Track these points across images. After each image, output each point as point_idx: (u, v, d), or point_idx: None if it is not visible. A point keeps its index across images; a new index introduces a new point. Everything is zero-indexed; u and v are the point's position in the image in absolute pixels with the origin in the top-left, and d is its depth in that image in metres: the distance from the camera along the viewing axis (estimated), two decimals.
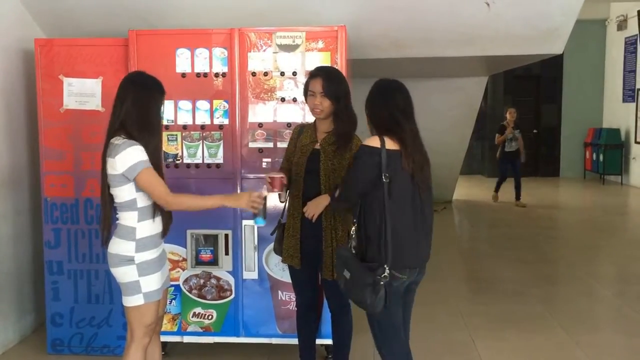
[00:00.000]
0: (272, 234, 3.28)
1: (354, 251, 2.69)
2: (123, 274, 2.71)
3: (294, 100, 3.61)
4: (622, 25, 12.18)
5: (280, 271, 3.66)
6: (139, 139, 2.66)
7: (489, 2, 4.26)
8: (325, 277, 3.12)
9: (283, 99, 3.61)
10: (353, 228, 2.72)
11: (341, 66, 3.55)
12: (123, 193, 2.69)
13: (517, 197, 9.78)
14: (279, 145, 3.61)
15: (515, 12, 4.46)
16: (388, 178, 2.55)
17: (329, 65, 3.41)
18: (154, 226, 2.76)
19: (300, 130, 3.21)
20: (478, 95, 8.35)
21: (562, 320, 4.58)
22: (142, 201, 2.71)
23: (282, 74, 3.60)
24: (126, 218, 2.72)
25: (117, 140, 2.65)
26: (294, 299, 3.64)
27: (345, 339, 3.30)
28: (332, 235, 3.06)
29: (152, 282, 2.73)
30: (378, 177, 2.56)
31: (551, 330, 4.38)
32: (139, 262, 2.69)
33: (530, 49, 4.82)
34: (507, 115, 9.90)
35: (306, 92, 3.08)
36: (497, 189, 10.18)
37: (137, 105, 2.69)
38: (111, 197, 2.74)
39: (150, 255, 2.73)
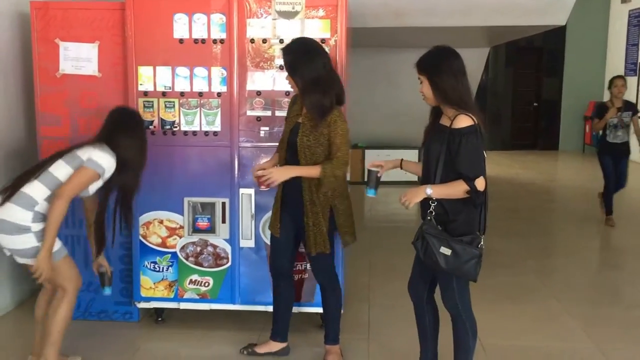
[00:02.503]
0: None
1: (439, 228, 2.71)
2: (17, 241, 2.88)
3: None
4: None
5: None
6: (116, 150, 3.05)
7: None
8: (308, 252, 3.16)
9: (282, 67, 3.57)
10: (432, 206, 2.69)
11: (341, 35, 3.50)
12: (63, 171, 2.94)
13: (608, 210, 6.75)
14: (277, 113, 3.59)
15: None
16: (485, 153, 2.68)
17: (300, 37, 3.33)
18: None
19: (294, 100, 3.22)
20: (479, 67, 8.27)
21: (557, 292, 4.62)
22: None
23: (281, 41, 3.55)
24: (38, 190, 2.91)
25: (100, 144, 3.03)
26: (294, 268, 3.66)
27: (335, 312, 3.33)
28: (312, 209, 3.10)
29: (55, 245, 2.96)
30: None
31: (546, 301, 4.42)
32: (36, 230, 2.90)
33: (533, 19, 4.76)
34: (613, 90, 6.52)
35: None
36: (607, 207, 6.75)
37: (131, 147, 3.11)
38: (48, 165, 2.97)
39: (43, 225, 2.91)
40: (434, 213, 2.71)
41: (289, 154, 3.14)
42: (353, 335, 3.72)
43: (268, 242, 3.68)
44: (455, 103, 2.68)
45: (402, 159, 3.10)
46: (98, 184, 3.03)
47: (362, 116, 7.96)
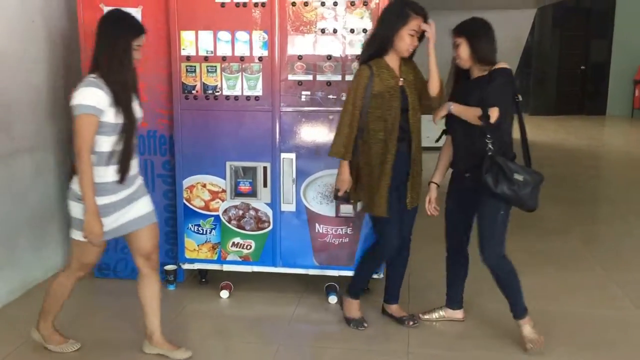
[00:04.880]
0: (340, 198, 3.32)
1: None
2: (74, 209, 2.78)
3: (334, 31, 3.53)
4: None
5: (317, 204, 3.70)
6: (106, 77, 2.67)
7: None
8: (413, 205, 3.26)
9: (323, 31, 3.54)
10: (489, 143, 2.91)
11: None
12: None
13: None
14: (319, 78, 3.57)
15: None
16: (518, 97, 3.00)
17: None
18: (105, 174, 2.72)
19: (371, 71, 3.06)
20: (525, 28, 8.05)
21: (602, 258, 4.55)
22: (100, 146, 2.69)
23: (323, 4, 3.51)
24: None
25: (86, 78, 2.70)
26: (331, 231, 3.70)
27: (404, 269, 3.49)
28: (415, 169, 3.18)
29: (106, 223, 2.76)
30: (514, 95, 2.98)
31: (591, 268, 4.36)
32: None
33: None
34: None
35: (398, 27, 3.01)
36: None
37: (104, 43, 2.71)
38: None
39: (100, 201, 2.71)
40: (493, 149, 2.91)
41: (402, 121, 3.09)
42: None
43: (309, 206, 3.71)
44: (490, 63, 2.99)
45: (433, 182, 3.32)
46: (109, 120, 2.67)
47: None
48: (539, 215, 5.66)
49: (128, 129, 2.74)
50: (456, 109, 3.01)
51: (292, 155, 3.67)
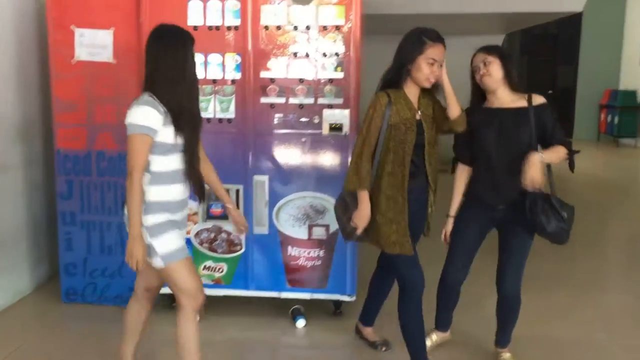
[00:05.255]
0: (350, 238, 3.01)
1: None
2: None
3: (307, 55, 3.56)
4: None
5: (290, 227, 3.69)
6: (160, 96, 2.52)
7: None
8: (426, 235, 3.12)
9: (296, 54, 3.57)
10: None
11: (355, 21, 3.49)
12: None
13: None
14: (291, 101, 3.59)
15: None
16: None
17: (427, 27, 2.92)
18: (170, 193, 2.60)
19: (389, 99, 2.83)
20: None
21: (572, 279, 4.61)
22: (157, 165, 2.55)
23: (296, 28, 3.54)
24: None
25: (141, 96, 2.55)
26: (303, 254, 3.68)
27: (387, 292, 3.42)
28: (434, 198, 3.03)
29: (168, 242, 2.57)
30: None
31: (561, 289, 4.41)
32: (147, 225, 2.54)
33: (550, 6, 4.71)
34: None
35: (415, 56, 2.80)
36: None
37: (156, 60, 2.55)
38: None
39: (160, 218, 2.56)
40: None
41: (416, 157, 2.88)
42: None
43: (282, 229, 3.70)
44: (517, 85, 2.97)
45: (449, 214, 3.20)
46: (164, 140, 2.54)
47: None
48: None
49: (189, 147, 2.61)
50: (547, 157, 2.84)
51: (265, 178, 3.67)
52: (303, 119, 3.61)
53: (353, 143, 3.57)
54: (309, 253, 3.70)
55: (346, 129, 3.58)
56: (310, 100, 3.58)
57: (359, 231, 2.88)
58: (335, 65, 3.55)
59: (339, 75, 3.55)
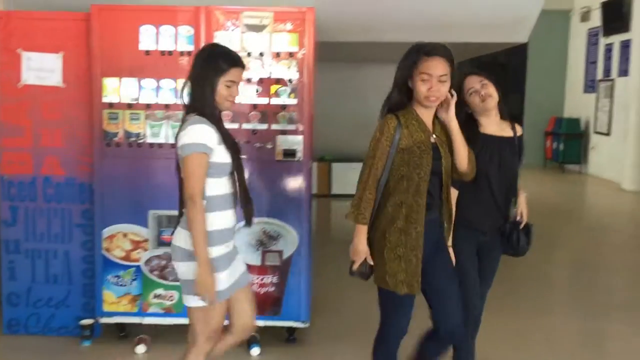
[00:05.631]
0: (355, 273, 2.67)
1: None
2: (183, 270, 2.45)
3: (261, 81, 3.57)
4: (585, 16, 12.38)
5: (242, 253, 3.63)
6: (209, 117, 2.43)
7: None
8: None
9: (249, 80, 3.57)
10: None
11: (309, 48, 3.53)
12: None
13: None
14: (244, 126, 3.58)
15: (484, 0, 4.51)
16: None
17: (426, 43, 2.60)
18: (227, 219, 2.49)
19: (399, 121, 2.55)
20: None
21: (516, 303, 4.69)
22: (215, 189, 2.44)
23: (249, 54, 3.55)
24: None
25: (190, 116, 2.45)
26: (256, 280, 3.64)
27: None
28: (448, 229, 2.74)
29: (223, 280, 2.45)
30: None
31: (505, 313, 4.48)
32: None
33: (496, 36, 4.87)
34: None
35: (409, 72, 2.54)
36: None
37: (194, 83, 2.49)
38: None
39: (216, 251, 2.44)
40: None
41: (432, 186, 2.57)
42: (323, 347, 3.71)
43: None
44: (504, 111, 2.97)
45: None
46: (219, 160, 2.44)
47: (329, 129, 8.02)
48: None
49: (239, 168, 2.54)
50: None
51: None
52: (257, 145, 3.60)
53: (307, 169, 3.60)
54: (262, 279, 3.66)
55: (300, 154, 3.59)
56: (264, 127, 3.58)
57: (355, 266, 2.60)
58: (288, 92, 3.57)
59: (293, 101, 3.57)
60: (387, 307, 2.66)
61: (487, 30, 4.77)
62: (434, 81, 2.49)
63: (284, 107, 3.57)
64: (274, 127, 3.58)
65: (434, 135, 2.60)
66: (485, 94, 2.86)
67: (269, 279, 3.66)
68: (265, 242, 3.65)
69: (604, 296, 4.98)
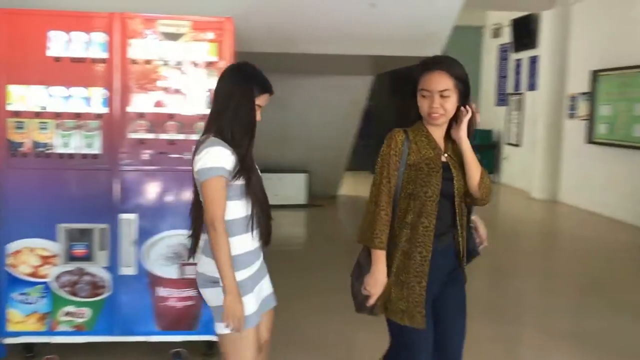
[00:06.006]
0: (361, 310, 2.45)
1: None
2: (210, 297, 2.36)
3: (177, 91, 3.50)
4: (496, 32, 12.98)
5: (160, 266, 3.55)
6: (229, 139, 2.32)
7: (373, 3, 4.39)
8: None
9: (166, 89, 3.50)
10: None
11: (228, 59, 3.50)
12: None
13: None
14: (161, 136, 3.50)
15: (398, 15, 4.65)
16: None
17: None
18: (248, 242, 2.38)
19: (407, 136, 2.38)
20: (363, 93, 8.56)
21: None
22: (233, 212, 2.33)
23: (166, 63, 3.48)
24: None
25: (207, 138, 2.34)
26: (174, 294, 3.56)
27: None
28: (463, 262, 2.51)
29: (248, 305, 2.34)
30: None
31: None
32: None
33: (410, 50, 5.02)
34: None
35: (415, 89, 2.38)
36: None
37: (225, 102, 2.35)
38: (200, 204, 2.36)
39: (241, 275, 2.34)
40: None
41: (442, 209, 2.35)
42: None
43: (151, 269, 3.55)
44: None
45: None
46: (237, 182, 2.33)
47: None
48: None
49: (257, 188, 2.40)
50: None
51: (133, 216, 3.52)
52: (174, 155, 3.52)
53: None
54: (180, 293, 3.58)
55: None
56: (181, 137, 3.51)
57: (372, 300, 2.35)
58: (208, 102, 3.52)
59: None
60: (396, 343, 2.43)
61: (401, 44, 4.92)
62: (435, 97, 2.31)
63: (202, 117, 3.52)
64: (193, 137, 3.52)
65: (446, 155, 2.38)
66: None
67: (188, 292, 3.58)
68: (183, 255, 3.56)
69: (516, 301, 5.20)
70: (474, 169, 2.36)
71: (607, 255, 6.93)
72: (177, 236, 3.51)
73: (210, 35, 3.51)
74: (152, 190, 3.54)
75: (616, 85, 8.89)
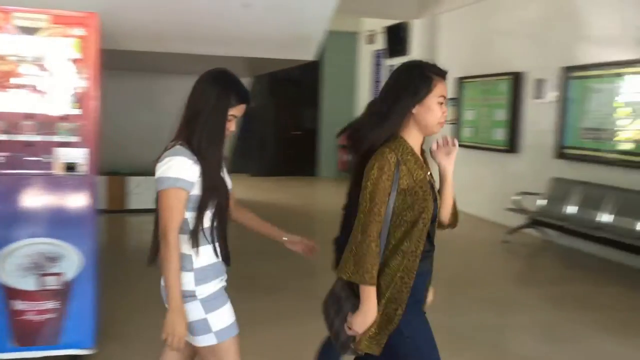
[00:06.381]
0: (345, 350, 2.28)
1: None
2: (187, 311, 2.20)
3: (36, 88, 3.27)
4: (370, 39, 13.42)
5: (15, 277, 3.30)
6: (196, 148, 2.19)
7: (246, 3, 4.36)
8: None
9: (22, 87, 3.25)
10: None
11: (94, 56, 3.33)
12: None
13: None
14: (17, 138, 3.25)
15: (271, 17, 4.66)
16: None
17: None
18: (212, 254, 2.28)
19: (397, 158, 2.14)
20: None
21: (317, 311, 4.86)
22: (201, 222, 2.22)
23: (22, 58, 3.24)
24: (181, 243, 2.19)
25: (173, 146, 2.21)
26: (32, 307, 3.32)
27: None
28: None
29: (223, 317, 2.27)
30: None
31: (309, 320, 4.61)
32: (202, 297, 2.22)
33: (283, 53, 5.06)
34: None
35: (423, 95, 2.18)
36: None
37: (205, 107, 2.23)
38: None
39: (214, 287, 2.27)
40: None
41: (431, 231, 2.24)
42: None
43: (6, 281, 3.28)
44: None
45: None
46: (197, 195, 2.22)
47: (124, 142, 7.63)
48: (259, 273, 5.92)
49: (222, 202, 2.27)
50: None
51: None
52: (32, 158, 3.28)
53: (92, 183, 3.37)
54: (39, 306, 3.34)
55: (85, 168, 3.35)
56: (40, 138, 3.28)
57: (358, 340, 2.17)
58: (72, 101, 3.32)
59: (76, 111, 3.33)
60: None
61: (275, 46, 4.94)
62: (445, 104, 2.22)
63: (64, 118, 3.31)
64: (55, 138, 3.30)
65: (430, 173, 2.24)
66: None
67: (48, 305, 3.35)
68: (42, 265, 3.33)
69: None
70: (450, 198, 2.35)
71: (473, 252, 7.39)
72: (34, 245, 3.28)
73: (74, 30, 3.31)
74: (6, 197, 3.28)
75: (479, 92, 9.53)
